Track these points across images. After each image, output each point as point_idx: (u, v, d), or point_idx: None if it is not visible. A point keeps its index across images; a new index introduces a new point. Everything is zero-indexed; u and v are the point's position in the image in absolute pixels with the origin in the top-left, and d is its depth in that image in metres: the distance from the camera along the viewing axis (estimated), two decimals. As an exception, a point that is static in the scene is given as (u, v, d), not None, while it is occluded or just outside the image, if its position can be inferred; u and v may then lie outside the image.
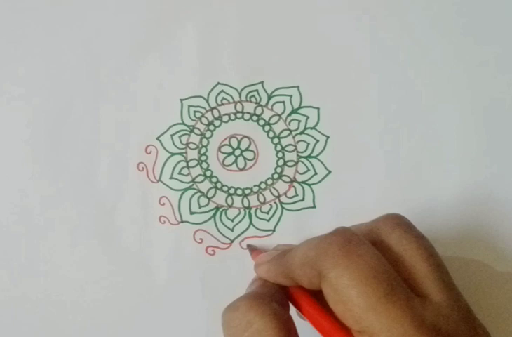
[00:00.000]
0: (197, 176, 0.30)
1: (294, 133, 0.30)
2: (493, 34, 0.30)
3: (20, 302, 0.30)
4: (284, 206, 0.30)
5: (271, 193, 0.30)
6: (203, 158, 0.30)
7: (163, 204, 0.30)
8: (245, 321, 0.21)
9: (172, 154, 0.30)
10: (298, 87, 0.30)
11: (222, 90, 0.30)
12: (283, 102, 0.30)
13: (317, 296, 0.22)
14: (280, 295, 0.23)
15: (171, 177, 0.30)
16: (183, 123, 0.30)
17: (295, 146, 0.30)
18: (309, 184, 0.30)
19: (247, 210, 0.30)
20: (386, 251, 0.21)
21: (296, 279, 0.22)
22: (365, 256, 0.20)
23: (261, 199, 0.30)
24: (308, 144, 0.30)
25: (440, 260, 0.21)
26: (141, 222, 0.29)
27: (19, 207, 0.30)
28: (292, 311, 0.22)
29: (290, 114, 0.30)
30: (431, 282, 0.20)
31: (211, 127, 0.30)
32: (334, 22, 0.30)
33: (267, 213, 0.30)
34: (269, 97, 0.30)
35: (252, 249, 0.28)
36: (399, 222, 0.22)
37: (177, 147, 0.30)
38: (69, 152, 0.30)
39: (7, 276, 0.30)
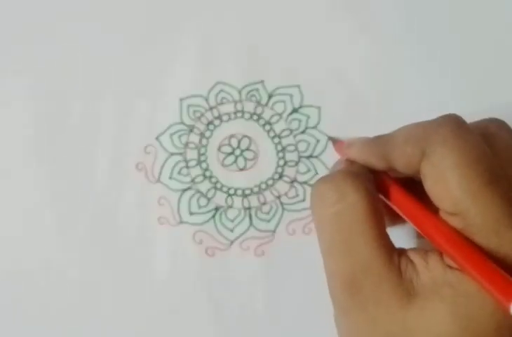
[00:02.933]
0: (197, 176, 0.30)
1: (294, 133, 0.30)
2: (494, 33, 0.30)
3: (19, 302, 0.29)
4: (285, 206, 0.29)
5: (272, 193, 0.29)
6: (203, 158, 0.30)
7: (163, 205, 0.29)
8: (338, 193, 0.21)
9: (172, 154, 0.30)
10: (299, 86, 0.29)
11: (222, 90, 0.30)
12: (284, 101, 0.30)
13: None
14: (369, 177, 0.22)
15: (170, 178, 0.29)
16: (182, 123, 0.30)
17: (296, 146, 0.30)
18: (310, 185, 0.29)
19: (247, 211, 0.29)
20: (491, 146, 0.21)
21: (392, 159, 0.22)
22: (473, 142, 0.20)
23: (262, 200, 0.29)
24: (309, 144, 0.29)
25: None
26: (140, 222, 0.29)
27: (18, 207, 0.29)
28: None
29: (290, 114, 0.30)
30: None
31: (211, 126, 0.30)
32: (334, 21, 0.30)
33: (267, 213, 0.29)
34: (270, 97, 0.30)
35: (335, 140, 0.27)
36: (505, 125, 0.22)
37: (177, 147, 0.30)
38: (68, 151, 0.30)
39: (6, 277, 0.29)
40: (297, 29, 0.30)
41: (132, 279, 0.29)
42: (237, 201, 0.29)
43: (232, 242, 0.29)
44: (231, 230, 0.29)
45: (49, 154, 0.30)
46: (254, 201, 0.29)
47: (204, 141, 0.30)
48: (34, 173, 0.30)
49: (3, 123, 0.30)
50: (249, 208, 0.29)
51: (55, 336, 0.30)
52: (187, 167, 0.30)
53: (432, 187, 0.20)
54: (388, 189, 0.22)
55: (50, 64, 0.30)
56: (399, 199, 0.22)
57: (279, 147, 0.30)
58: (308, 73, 0.30)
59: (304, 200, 0.29)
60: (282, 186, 0.29)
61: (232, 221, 0.29)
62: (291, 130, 0.30)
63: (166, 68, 0.30)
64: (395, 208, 0.22)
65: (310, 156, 0.29)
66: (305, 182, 0.29)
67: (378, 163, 0.23)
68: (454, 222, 0.20)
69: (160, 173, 0.29)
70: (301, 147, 0.29)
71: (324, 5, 0.30)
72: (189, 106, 0.30)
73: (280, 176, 0.30)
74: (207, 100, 0.30)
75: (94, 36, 0.30)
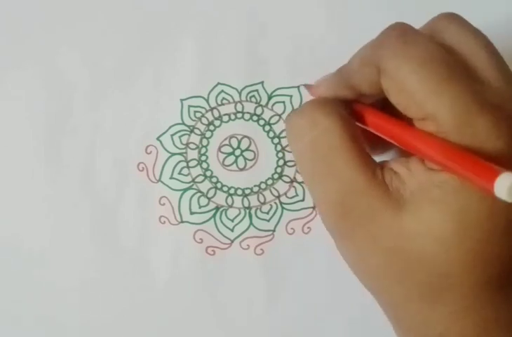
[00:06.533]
0: (197, 176, 0.30)
1: (294, 133, 0.30)
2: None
3: (18, 302, 0.30)
4: (284, 206, 0.30)
5: (271, 193, 0.30)
6: (203, 158, 0.30)
7: (163, 204, 0.30)
8: (310, 122, 0.21)
9: (172, 154, 0.30)
10: (298, 87, 0.30)
11: (222, 90, 0.30)
12: (283, 102, 0.30)
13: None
14: (342, 105, 0.22)
15: (171, 178, 0.30)
16: (183, 124, 0.30)
17: (295, 146, 0.30)
18: (309, 185, 0.30)
19: (247, 211, 0.30)
20: (443, 43, 0.20)
21: (356, 85, 0.22)
22: (423, 44, 0.19)
23: (262, 199, 0.30)
24: (308, 144, 0.30)
25: (497, 50, 0.21)
26: (141, 222, 0.29)
27: (18, 207, 0.30)
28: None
29: (290, 114, 0.30)
30: (491, 69, 0.20)
31: (211, 127, 0.30)
32: (333, 22, 0.30)
33: (267, 213, 0.30)
34: (269, 97, 0.30)
35: (309, 86, 0.27)
36: (455, 17, 0.21)
37: (177, 147, 0.30)
38: (69, 151, 0.30)
39: (5, 277, 0.30)
40: (296, 31, 0.30)
41: (133, 278, 0.29)
42: (237, 201, 0.30)
43: (232, 241, 0.29)
44: (232, 229, 0.30)
45: (50, 154, 0.30)
46: (254, 200, 0.30)
47: (204, 141, 0.30)
48: (35, 173, 0.30)
49: (3, 124, 0.30)
50: (249, 208, 0.30)
51: (53, 335, 0.30)
52: (188, 167, 0.30)
53: (396, 99, 0.20)
54: (361, 114, 0.22)
55: (51, 65, 0.30)
56: (373, 120, 0.22)
57: (278, 147, 0.30)
58: (307, 74, 0.30)
59: (303, 200, 0.30)
60: (281, 186, 0.30)
61: (232, 220, 0.30)
62: (290, 131, 0.30)
63: (167, 69, 0.30)
64: (371, 129, 0.22)
65: (309, 156, 0.30)
66: (304, 182, 0.30)
67: (347, 93, 0.22)
68: (428, 127, 0.19)
69: (161, 173, 0.30)
70: (301, 147, 0.30)
71: (325, 7, 0.30)
72: (189, 107, 0.30)
73: (280, 176, 0.30)
74: (207, 100, 0.30)
75: (95, 36, 0.30)
